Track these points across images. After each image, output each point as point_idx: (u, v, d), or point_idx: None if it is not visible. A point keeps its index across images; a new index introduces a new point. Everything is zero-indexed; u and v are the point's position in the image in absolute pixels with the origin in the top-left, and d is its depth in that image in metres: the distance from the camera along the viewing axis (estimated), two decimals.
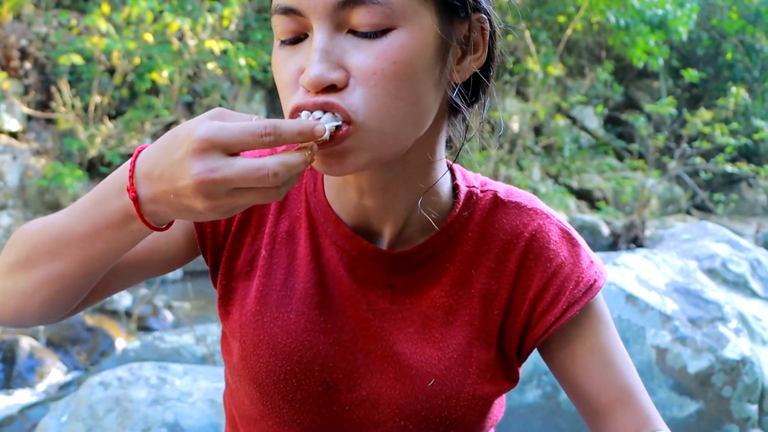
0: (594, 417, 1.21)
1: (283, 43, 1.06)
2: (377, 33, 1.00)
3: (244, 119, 0.93)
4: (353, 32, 1.01)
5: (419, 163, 1.13)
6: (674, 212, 15.03)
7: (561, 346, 1.21)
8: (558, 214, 1.26)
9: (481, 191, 1.23)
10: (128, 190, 0.96)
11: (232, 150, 0.90)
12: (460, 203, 1.20)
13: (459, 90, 1.12)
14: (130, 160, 0.98)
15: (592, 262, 1.22)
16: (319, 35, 1.00)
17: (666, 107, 11.29)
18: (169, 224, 1.02)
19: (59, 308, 1.13)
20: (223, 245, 1.24)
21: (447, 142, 1.20)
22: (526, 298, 1.19)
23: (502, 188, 1.25)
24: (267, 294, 1.21)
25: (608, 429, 1.20)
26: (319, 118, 0.97)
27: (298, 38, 1.04)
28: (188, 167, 0.90)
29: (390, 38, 1.00)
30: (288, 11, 1.02)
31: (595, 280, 1.20)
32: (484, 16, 1.10)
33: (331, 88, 0.99)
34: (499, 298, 1.19)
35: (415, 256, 1.19)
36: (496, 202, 1.22)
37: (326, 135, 0.95)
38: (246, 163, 0.90)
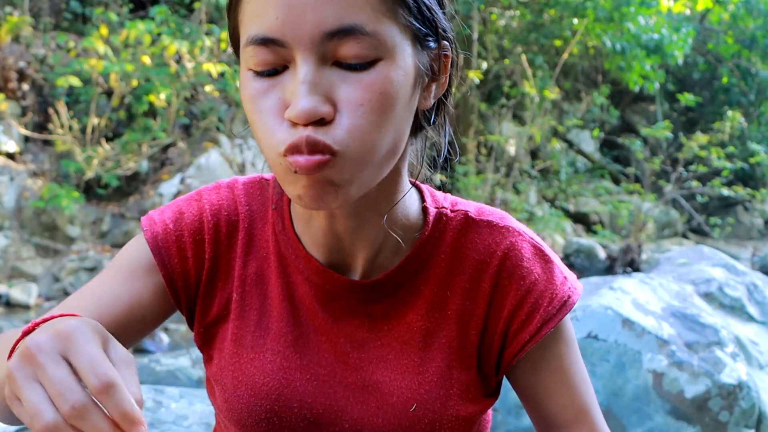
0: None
1: (257, 74, 1.02)
2: (364, 65, 0.99)
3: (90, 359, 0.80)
4: (338, 64, 0.99)
5: (386, 186, 1.12)
6: (670, 236, 15.03)
7: (527, 368, 1.22)
8: (530, 231, 1.26)
9: (452, 211, 1.23)
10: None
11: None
12: (430, 225, 1.20)
13: (426, 115, 1.14)
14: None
15: (565, 278, 1.22)
16: (305, 67, 0.97)
17: (662, 131, 11.31)
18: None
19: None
20: (196, 294, 1.24)
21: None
22: (501, 317, 1.19)
23: (473, 207, 1.25)
24: (242, 336, 1.21)
25: None
26: None
27: (275, 70, 1.01)
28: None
29: (377, 70, 0.99)
30: (267, 42, 0.98)
31: (569, 296, 1.20)
32: (447, 44, 1.10)
33: (319, 122, 0.97)
34: (476, 319, 1.19)
35: (389, 282, 1.19)
36: (467, 221, 1.22)
37: None
38: (62, 375, 0.79)
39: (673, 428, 3.08)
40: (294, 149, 0.97)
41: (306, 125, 0.97)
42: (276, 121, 0.99)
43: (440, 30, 1.08)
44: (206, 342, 1.26)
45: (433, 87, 1.11)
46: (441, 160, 1.22)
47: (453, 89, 1.18)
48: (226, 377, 1.21)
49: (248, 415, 1.18)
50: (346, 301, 1.19)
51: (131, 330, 1.21)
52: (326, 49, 0.97)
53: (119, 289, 1.19)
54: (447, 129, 1.21)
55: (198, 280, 1.23)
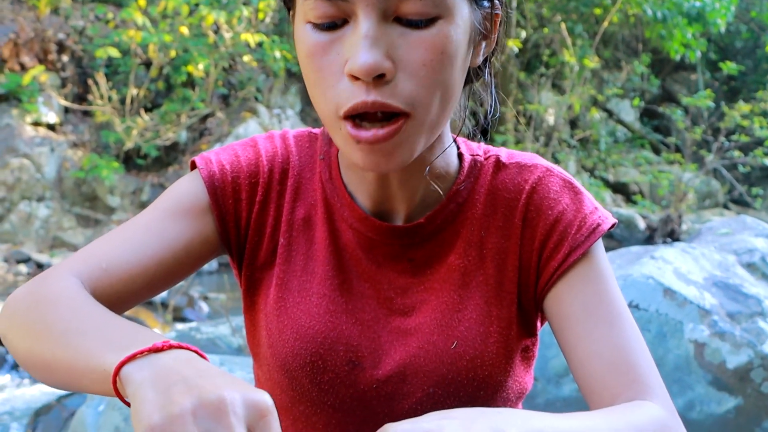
0: (586, 384, 1.15)
1: (316, 27, 1.02)
2: (425, 22, 0.99)
3: None
4: (398, 20, 0.99)
5: (434, 141, 1.14)
6: (711, 206, 14.89)
7: (559, 301, 1.18)
8: (560, 168, 1.26)
9: (485, 158, 1.25)
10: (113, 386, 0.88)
11: None
12: (465, 170, 1.22)
13: (472, 72, 1.15)
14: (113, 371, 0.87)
15: (596, 207, 1.21)
16: (366, 23, 0.98)
17: (704, 100, 11.18)
18: None
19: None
20: (245, 237, 1.25)
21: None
22: (533, 249, 1.19)
23: (504, 152, 1.26)
24: (288, 280, 1.22)
25: (600, 396, 1.13)
26: None
27: (334, 24, 1.01)
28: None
29: (437, 28, 1.00)
30: None
31: (599, 224, 1.18)
32: (498, 2, 1.11)
33: (380, 78, 0.98)
34: (512, 255, 1.20)
35: (429, 225, 1.20)
36: (499, 165, 1.24)
37: None
38: None
39: (715, 399, 3.06)
40: (357, 110, 0.99)
41: (368, 84, 0.98)
42: (336, 79, 1.01)
43: None
44: (252, 286, 1.26)
45: (483, 45, 1.13)
46: (491, 116, 1.24)
47: (500, 47, 1.19)
48: (272, 322, 1.21)
49: (293, 359, 1.19)
50: (389, 247, 1.20)
51: (174, 271, 1.20)
52: (388, 4, 0.98)
53: (168, 230, 1.18)
54: (492, 86, 1.22)
55: (248, 223, 1.24)
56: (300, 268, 1.22)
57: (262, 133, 1.31)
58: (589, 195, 1.24)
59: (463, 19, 1.03)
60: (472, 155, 1.24)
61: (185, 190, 1.23)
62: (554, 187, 1.21)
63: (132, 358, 0.85)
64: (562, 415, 0.96)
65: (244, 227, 1.24)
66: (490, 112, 1.23)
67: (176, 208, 1.20)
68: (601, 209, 1.22)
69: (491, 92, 1.22)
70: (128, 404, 0.86)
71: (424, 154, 1.14)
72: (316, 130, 1.31)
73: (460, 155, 1.24)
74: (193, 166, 1.25)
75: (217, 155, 1.25)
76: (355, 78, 0.98)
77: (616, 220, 1.23)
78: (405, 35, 0.99)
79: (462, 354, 1.17)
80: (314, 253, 1.23)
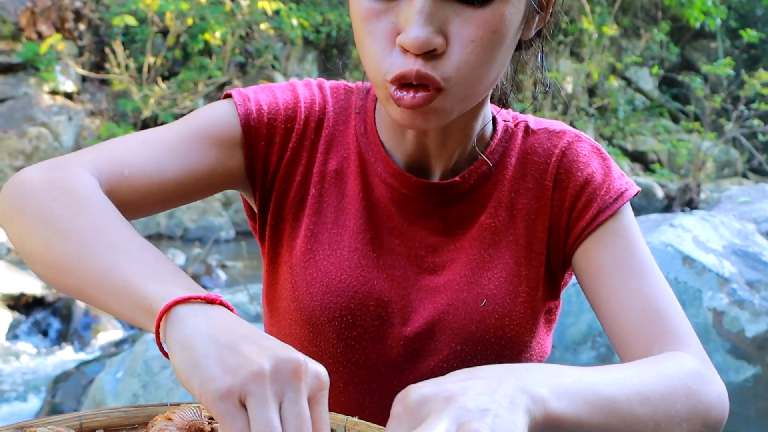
0: (618, 337, 1.16)
1: None
2: (481, 1, 1.00)
3: None
4: None
5: (476, 107, 1.16)
6: (730, 175, 14.81)
7: (587, 261, 1.20)
8: (587, 135, 1.29)
9: (514, 124, 1.27)
10: (158, 345, 0.87)
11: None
12: (499, 133, 1.24)
13: (523, 42, 1.16)
14: (158, 313, 0.84)
15: (622, 174, 1.24)
16: None
17: (723, 68, 11.09)
18: None
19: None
20: (272, 183, 1.23)
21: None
22: (563, 210, 1.21)
23: (531, 119, 1.29)
24: (318, 232, 1.21)
25: (633, 349, 1.14)
26: None
27: None
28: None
29: (493, 7, 1.00)
30: None
31: (626, 189, 1.21)
32: None
33: (430, 53, 0.99)
34: (542, 217, 1.22)
35: (463, 184, 1.21)
36: (527, 131, 1.26)
37: None
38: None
39: (733, 367, 3.05)
40: (402, 79, 1.00)
41: (417, 55, 0.99)
42: (386, 46, 1.02)
43: None
44: (275, 236, 1.25)
45: (536, 19, 1.13)
46: (547, 88, 1.26)
47: (554, 20, 1.20)
48: (299, 274, 1.20)
49: (321, 313, 1.18)
50: (422, 204, 1.21)
51: (189, 193, 1.18)
52: None
53: (194, 153, 1.15)
54: (542, 55, 1.24)
55: (277, 169, 1.23)
56: (331, 221, 1.22)
57: (298, 80, 1.30)
58: (615, 163, 1.26)
59: None
60: (504, 120, 1.26)
61: (218, 118, 1.19)
62: (583, 151, 1.23)
63: (186, 300, 0.84)
64: (593, 369, 0.95)
65: (273, 172, 1.23)
66: (541, 83, 1.25)
67: (205, 133, 1.17)
68: (626, 176, 1.25)
69: (541, 65, 1.24)
70: (159, 341, 0.85)
71: (465, 118, 1.15)
72: (351, 84, 1.31)
73: (494, 120, 1.25)
74: (226, 98, 1.23)
75: (255, 93, 1.23)
76: (406, 50, 1.00)
77: (639, 189, 1.26)
78: (459, 12, 1.00)
79: (491, 312, 1.18)
80: (345, 206, 1.22)
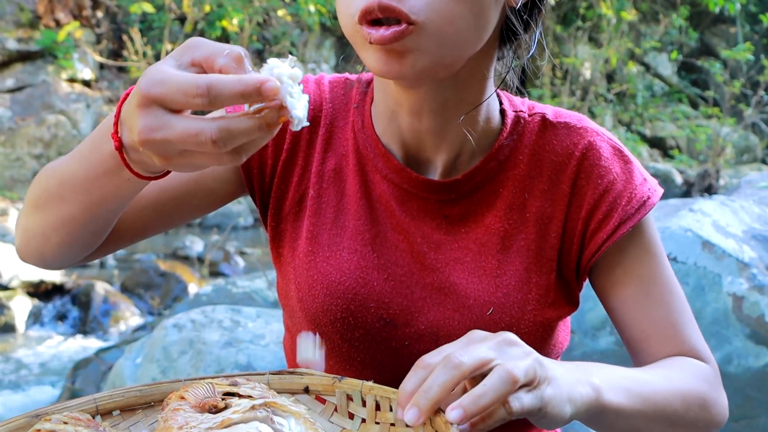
0: (633, 348, 1.22)
1: None
2: None
3: (214, 52, 0.82)
4: None
5: (472, 84, 1.12)
6: (749, 161, 14.73)
7: (606, 273, 1.19)
8: (609, 133, 1.23)
9: (529, 115, 1.21)
10: (113, 137, 0.89)
11: (169, 107, 0.80)
12: (507, 127, 1.19)
13: (515, 13, 1.10)
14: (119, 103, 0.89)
15: (645, 179, 1.20)
16: None
17: (743, 53, 11.01)
18: (165, 173, 0.94)
19: (77, 252, 1.12)
20: (270, 185, 1.23)
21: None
22: (579, 218, 1.17)
23: (550, 110, 1.23)
24: (318, 234, 1.21)
25: (646, 360, 1.20)
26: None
27: None
28: (134, 123, 0.82)
29: None
30: None
31: (649, 197, 1.17)
32: None
33: None
34: (555, 221, 1.18)
35: (467, 183, 1.17)
36: (545, 124, 1.21)
37: (286, 96, 0.81)
38: (185, 126, 0.79)
39: (752, 353, 3.04)
40: (367, 14, 0.97)
41: None
42: None
43: None
44: (277, 237, 1.25)
45: None
46: (527, 58, 1.19)
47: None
48: (301, 276, 1.20)
49: (323, 315, 1.18)
50: (424, 201, 1.18)
51: (193, 199, 1.21)
52: None
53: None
54: (537, 32, 1.17)
55: (273, 171, 1.23)
56: (330, 222, 1.21)
57: None
58: (638, 163, 1.21)
59: None
60: (516, 111, 1.21)
61: None
62: (605, 153, 1.18)
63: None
64: (617, 369, 1.05)
65: (269, 174, 1.23)
66: (532, 50, 1.18)
67: None
68: (650, 179, 1.21)
69: (536, 34, 1.17)
70: (140, 175, 0.92)
71: (462, 102, 1.12)
72: (353, 76, 1.28)
73: (502, 111, 1.20)
74: None
75: None
76: None
77: (663, 190, 1.22)
78: None
79: (498, 321, 1.16)
80: (345, 206, 1.21)
